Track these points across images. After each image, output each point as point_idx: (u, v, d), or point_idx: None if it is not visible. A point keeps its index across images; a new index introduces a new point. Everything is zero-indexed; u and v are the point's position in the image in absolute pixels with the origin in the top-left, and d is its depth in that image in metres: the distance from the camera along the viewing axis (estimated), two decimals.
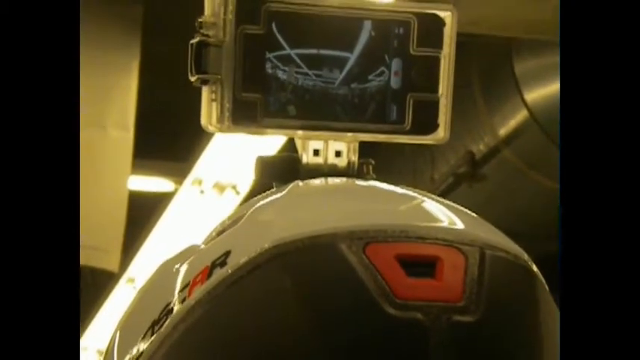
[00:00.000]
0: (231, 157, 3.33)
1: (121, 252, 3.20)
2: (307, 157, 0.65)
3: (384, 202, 0.61)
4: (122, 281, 4.51)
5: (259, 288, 0.56)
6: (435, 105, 0.66)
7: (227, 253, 0.58)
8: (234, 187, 3.53)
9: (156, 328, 0.59)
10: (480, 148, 3.68)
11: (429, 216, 0.59)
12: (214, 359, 0.56)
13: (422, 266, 0.55)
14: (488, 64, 3.57)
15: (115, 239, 3.16)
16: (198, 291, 0.58)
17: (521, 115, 3.49)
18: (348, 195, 0.63)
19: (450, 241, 0.56)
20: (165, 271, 0.63)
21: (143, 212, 3.84)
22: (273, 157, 0.65)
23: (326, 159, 0.65)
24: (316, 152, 0.64)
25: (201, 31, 0.62)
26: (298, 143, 0.65)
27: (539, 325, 0.57)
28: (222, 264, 0.58)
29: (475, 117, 3.65)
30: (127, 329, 0.62)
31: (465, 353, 0.54)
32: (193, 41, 0.63)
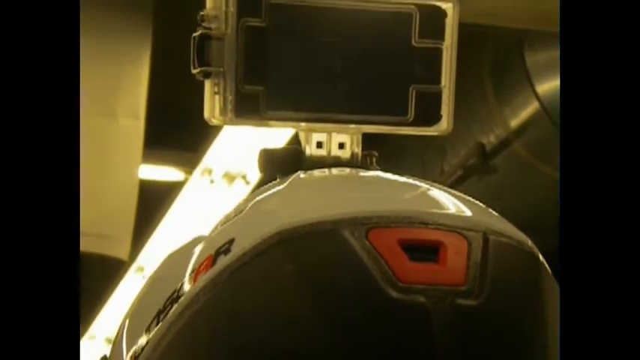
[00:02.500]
0: (241, 147, 3.33)
1: (131, 240, 3.21)
2: (310, 150, 0.65)
3: (387, 190, 0.61)
4: (132, 270, 4.52)
5: (263, 274, 0.56)
6: (437, 96, 0.66)
7: (231, 241, 0.59)
8: (243, 177, 3.53)
9: (161, 316, 0.59)
10: (490, 139, 3.68)
11: (433, 203, 0.59)
12: (219, 345, 0.56)
13: (424, 251, 0.55)
14: (499, 56, 3.57)
15: (125, 228, 3.16)
16: (203, 278, 0.58)
17: (532, 106, 3.49)
18: (350, 184, 0.64)
19: (453, 226, 0.56)
20: (171, 262, 0.64)
21: (153, 201, 3.85)
22: (277, 150, 0.65)
23: (329, 151, 0.65)
24: (319, 144, 0.65)
25: (203, 24, 0.63)
26: (301, 135, 0.65)
27: (543, 309, 0.57)
28: (226, 251, 0.58)
29: (486, 108, 3.64)
30: (133, 320, 0.63)
31: (468, 336, 0.54)
32: (195, 34, 0.63)
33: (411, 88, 0.65)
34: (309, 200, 0.60)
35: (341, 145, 0.65)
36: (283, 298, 0.55)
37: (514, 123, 3.56)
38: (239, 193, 3.51)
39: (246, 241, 0.57)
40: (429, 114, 0.66)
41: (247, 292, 0.56)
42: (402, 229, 0.56)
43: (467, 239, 0.56)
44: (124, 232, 3.15)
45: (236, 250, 0.58)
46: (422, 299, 0.54)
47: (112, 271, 4.77)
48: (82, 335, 5.55)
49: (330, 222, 0.56)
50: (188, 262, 0.61)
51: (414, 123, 0.65)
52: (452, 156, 3.87)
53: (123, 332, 0.63)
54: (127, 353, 0.61)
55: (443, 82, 0.67)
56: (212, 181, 3.63)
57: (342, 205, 0.58)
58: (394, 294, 0.54)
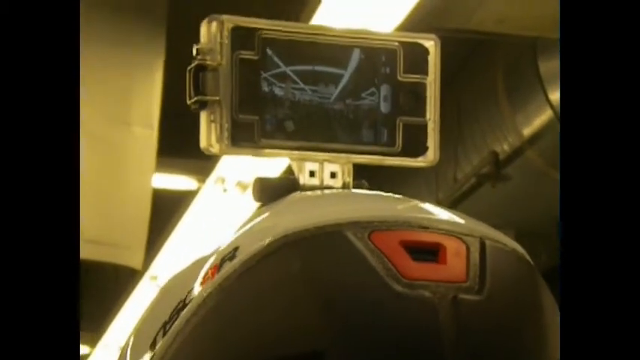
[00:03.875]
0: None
1: (144, 250, 3.21)
2: (304, 179, 0.67)
3: (384, 202, 0.63)
4: (145, 278, 4.53)
5: (269, 275, 0.58)
6: (423, 129, 0.69)
7: (236, 249, 0.60)
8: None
9: (167, 327, 0.60)
10: (503, 148, 3.67)
11: (429, 211, 0.62)
12: (227, 348, 0.57)
13: (425, 252, 0.57)
14: (512, 64, 3.56)
15: (138, 237, 3.17)
16: (209, 285, 0.59)
17: (546, 114, 3.48)
18: (346, 197, 0.66)
19: (451, 231, 0.59)
20: (175, 280, 0.65)
21: (166, 210, 3.86)
22: (272, 180, 0.67)
23: (322, 180, 0.67)
24: (312, 174, 0.67)
25: (198, 57, 0.65)
26: (294, 165, 0.67)
27: (541, 308, 0.59)
28: (232, 257, 0.60)
29: (499, 116, 3.64)
30: (138, 337, 0.63)
31: (472, 328, 0.56)
32: (191, 67, 0.65)
33: (398, 120, 0.68)
34: (309, 210, 0.62)
35: (333, 175, 0.67)
36: (290, 297, 0.56)
37: (527, 131, 3.56)
38: (251, 201, 3.52)
39: (251, 247, 0.59)
40: (416, 145, 0.68)
41: (254, 294, 0.57)
42: (403, 232, 0.58)
43: (465, 243, 0.58)
44: (137, 241, 3.16)
45: (241, 256, 0.59)
46: (427, 294, 0.56)
47: (125, 280, 4.78)
48: (96, 344, 5.56)
49: (333, 225, 0.58)
50: (193, 276, 0.62)
51: (402, 154, 0.68)
52: (465, 164, 3.87)
53: (127, 351, 0.64)
54: None
55: (428, 115, 0.69)
56: (225, 190, 3.64)
57: (342, 211, 0.60)
58: (399, 288, 0.56)
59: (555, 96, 3.44)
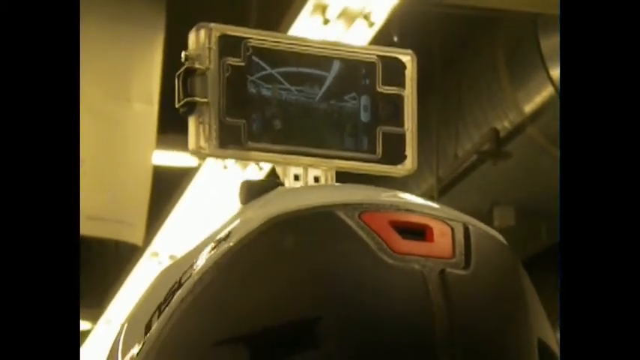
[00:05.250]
0: None
1: (145, 226, 3.22)
2: (288, 182, 0.70)
3: (370, 190, 0.66)
4: (146, 255, 4.54)
5: (263, 251, 0.59)
6: (402, 138, 0.72)
7: (229, 232, 0.62)
8: (256, 163, 3.54)
9: (162, 307, 0.61)
10: (504, 125, 3.67)
11: (414, 199, 0.64)
12: (223, 322, 0.58)
13: (413, 232, 0.60)
14: (514, 40, 3.56)
15: (139, 213, 3.18)
16: (204, 263, 0.60)
17: (547, 91, 3.48)
18: (334, 187, 0.69)
19: (436, 215, 0.61)
20: (167, 270, 0.66)
21: (167, 187, 3.86)
22: (258, 182, 0.69)
23: (306, 184, 0.70)
24: (296, 177, 0.70)
25: (187, 62, 0.68)
26: (279, 169, 0.70)
27: (522, 288, 0.61)
28: (226, 238, 0.61)
29: (500, 93, 3.64)
30: (133, 321, 0.64)
31: (460, 299, 0.58)
32: (180, 71, 0.68)
33: (378, 129, 0.71)
34: (299, 197, 0.64)
35: (316, 179, 0.70)
36: (284, 269, 0.58)
37: (528, 108, 3.56)
38: (252, 178, 3.52)
39: (245, 228, 0.61)
40: (395, 154, 0.72)
41: (249, 268, 0.59)
42: (392, 213, 0.60)
43: (449, 225, 0.61)
44: (138, 218, 3.16)
45: (236, 236, 0.60)
46: (416, 266, 0.58)
47: (126, 256, 4.79)
48: (98, 320, 5.58)
49: (324, 206, 0.60)
50: (187, 261, 0.63)
51: (382, 161, 0.71)
52: (466, 141, 3.87)
53: (119, 340, 0.64)
54: (124, 357, 0.62)
55: (406, 126, 0.72)
56: (225, 167, 3.64)
57: (331, 196, 0.62)
58: (390, 261, 0.58)
59: (556, 73, 3.43)
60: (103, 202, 3.09)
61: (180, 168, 4.22)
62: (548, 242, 3.96)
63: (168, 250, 4.51)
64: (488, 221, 3.93)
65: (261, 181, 0.68)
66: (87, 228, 3.08)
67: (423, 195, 1.35)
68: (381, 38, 2.83)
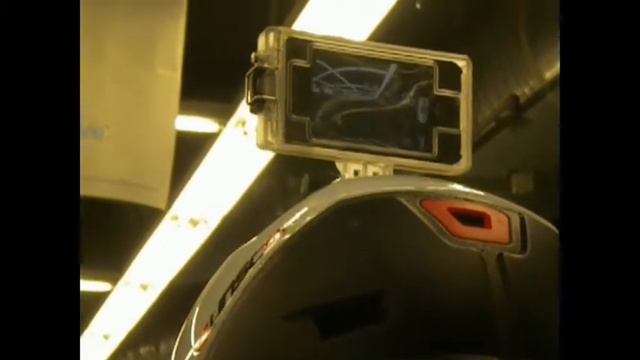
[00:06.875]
0: None
1: (168, 190, 3.24)
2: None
3: (430, 180, 0.69)
4: (167, 219, 4.56)
5: (330, 232, 0.63)
6: (457, 138, 0.76)
7: (298, 216, 0.65)
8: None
9: (235, 284, 0.65)
10: (524, 91, 3.66)
11: (471, 190, 0.67)
12: (292, 297, 0.62)
13: (472, 220, 0.63)
14: (534, 6, 3.54)
15: (163, 177, 3.19)
16: (275, 243, 0.64)
17: None
18: (394, 177, 0.74)
19: (493, 205, 0.64)
20: (237, 253, 0.70)
21: (187, 152, 3.87)
22: (318, 176, 0.73)
23: None
24: (356, 173, 0.74)
25: (257, 62, 0.73)
26: (339, 166, 0.74)
27: None
28: (295, 222, 0.65)
29: (520, 59, 3.63)
30: (206, 301, 0.68)
31: (516, 281, 0.62)
32: (249, 71, 0.73)
33: (434, 130, 0.75)
34: (361, 185, 0.68)
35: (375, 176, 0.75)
36: (350, 249, 0.62)
37: (549, 74, 3.54)
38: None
39: (312, 212, 0.65)
40: (450, 153, 0.75)
41: (317, 249, 0.63)
42: (451, 201, 0.63)
43: (506, 215, 0.64)
44: (161, 182, 3.18)
45: (303, 219, 0.64)
46: (474, 249, 0.62)
47: (147, 220, 4.82)
48: (117, 281, 5.62)
49: (386, 193, 0.64)
50: (257, 244, 0.67)
51: (438, 160, 0.75)
52: (485, 108, 3.86)
53: (192, 318, 0.68)
54: (196, 339, 0.65)
55: (461, 127, 0.75)
56: (245, 133, 3.65)
57: (392, 185, 0.66)
58: (450, 244, 0.61)
59: None
60: (127, 167, 3.11)
61: (200, 134, 4.24)
62: None
63: (188, 214, 4.54)
64: (507, 188, 3.93)
65: (323, 177, 0.72)
66: (110, 191, 3.10)
67: None
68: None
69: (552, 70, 3.54)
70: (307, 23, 2.95)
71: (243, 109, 3.52)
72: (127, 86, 3.04)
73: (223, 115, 3.94)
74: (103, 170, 3.08)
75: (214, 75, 3.89)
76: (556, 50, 3.50)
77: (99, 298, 5.99)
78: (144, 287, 5.34)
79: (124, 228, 5.46)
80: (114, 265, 5.55)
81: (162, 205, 3.27)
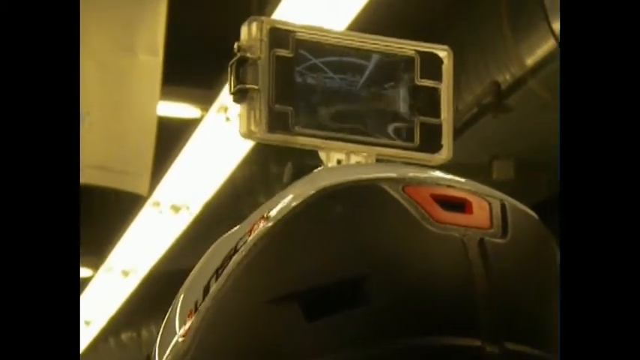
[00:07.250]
0: None
1: (150, 176, 3.24)
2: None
3: (411, 167, 0.70)
4: (148, 205, 4.56)
5: (313, 218, 0.64)
6: (438, 128, 0.76)
7: (281, 203, 0.66)
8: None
9: (220, 271, 0.66)
10: (505, 78, 3.67)
11: (453, 177, 0.68)
12: (276, 283, 0.63)
13: (453, 205, 0.64)
14: None
15: (144, 163, 3.19)
16: (258, 230, 0.65)
17: (549, 44, 3.47)
18: (376, 164, 0.75)
19: (475, 191, 0.65)
20: (222, 241, 0.70)
21: (169, 138, 3.87)
22: (304, 166, 0.74)
23: None
24: (339, 162, 0.74)
25: (240, 52, 0.73)
26: (322, 155, 0.75)
27: (554, 261, 0.65)
28: (279, 209, 0.66)
29: (502, 46, 3.63)
30: (190, 288, 0.68)
31: (498, 264, 0.63)
32: (232, 61, 0.73)
33: (415, 120, 0.75)
34: (343, 173, 0.69)
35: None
36: (333, 234, 0.63)
37: (530, 61, 3.55)
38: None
39: (295, 199, 0.66)
40: (432, 143, 0.76)
41: (299, 235, 0.64)
42: (433, 187, 0.65)
43: (487, 201, 0.65)
44: (143, 168, 3.18)
45: (287, 206, 0.65)
46: (456, 234, 0.63)
47: (128, 205, 4.81)
48: (99, 267, 5.62)
49: (369, 179, 0.65)
50: (240, 231, 0.68)
51: (420, 149, 0.76)
52: (467, 94, 3.87)
53: (177, 305, 0.69)
54: (181, 325, 0.67)
55: (442, 117, 0.76)
56: (227, 119, 3.65)
57: (374, 172, 0.67)
58: (432, 229, 0.62)
59: (558, 26, 3.43)
60: (108, 153, 3.10)
61: (182, 119, 4.23)
62: (548, 194, 3.97)
63: (169, 200, 4.54)
64: (488, 174, 3.94)
65: (307, 166, 0.73)
66: (91, 177, 3.10)
67: None
68: None
69: (533, 57, 3.55)
70: (288, 9, 2.95)
71: (225, 94, 3.52)
72: (109, 72, 3.04)
73: (205, 100, 3.94)
74: (84, 156, 3.07)
75: (196, 60, 3.88)
76: (537, 37, 3.50)
77: (80, 284, 5.99)
78: (125, 273, 5.34)
79: (106, 214, 5.45)
80: (95, 252, 5.54)
81: (144, 191, 3.26)
